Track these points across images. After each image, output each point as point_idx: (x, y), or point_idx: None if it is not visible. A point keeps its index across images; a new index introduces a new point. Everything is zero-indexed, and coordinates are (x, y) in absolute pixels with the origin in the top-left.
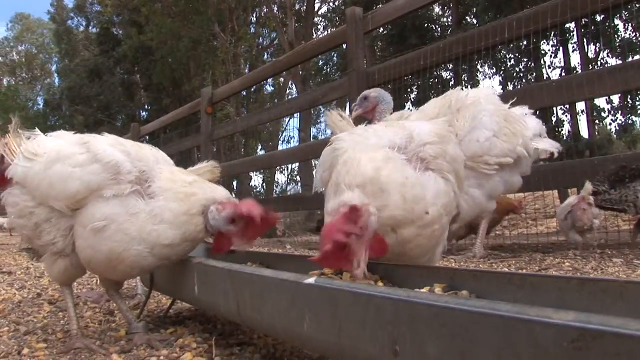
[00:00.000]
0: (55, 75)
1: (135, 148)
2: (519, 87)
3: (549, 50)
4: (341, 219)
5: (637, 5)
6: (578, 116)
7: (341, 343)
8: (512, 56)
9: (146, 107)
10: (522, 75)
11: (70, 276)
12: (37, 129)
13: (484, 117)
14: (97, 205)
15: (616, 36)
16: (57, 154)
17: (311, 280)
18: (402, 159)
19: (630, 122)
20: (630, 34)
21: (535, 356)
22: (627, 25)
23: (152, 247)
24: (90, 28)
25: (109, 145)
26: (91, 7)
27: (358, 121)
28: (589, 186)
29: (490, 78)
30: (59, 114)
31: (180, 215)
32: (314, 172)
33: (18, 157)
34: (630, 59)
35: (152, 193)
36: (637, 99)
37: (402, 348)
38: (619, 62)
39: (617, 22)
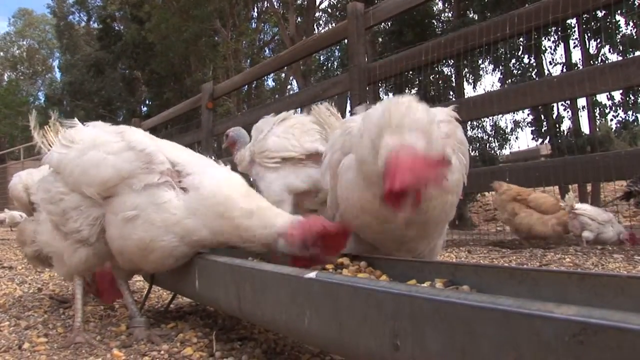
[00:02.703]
0: (57, 70)
1: (166, 144)
2: (521, 82)
3: (550, 46)
4: (428, 163)
5: (638, 2)
6: (579, 112)
7: (342, 337)
8: (514, 52)
9: (147, 102)
10: (523, 71)
11: (90, 266)
12: (76, 120)
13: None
14: (128, 194)
15: (617, 32)
16: (92, 141)
17: (312, 275)
18: None
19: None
20: (631, 30)
21: (537, 350)
22: (628, 21)
23: (182, 237)
24: (91, 23)
25: (143, 135)
26: (92, 1)
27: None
28: (571, 197)
29: (491, 74)
30: (60, 109)
31: (224, 226)
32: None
33: (55, 144)
34: (631, 55)
35: (196, 187)
36: (639, 95)
37: (403, 342)
38: (620, 58)
39: (618, 17)
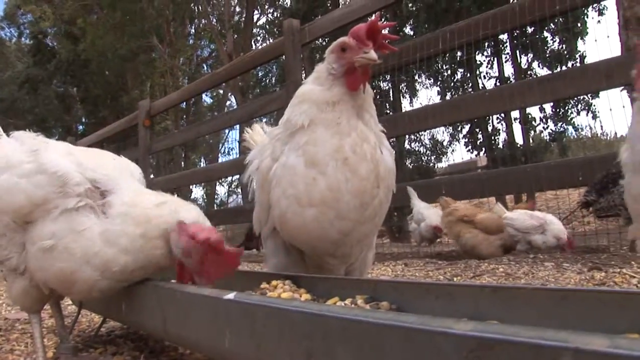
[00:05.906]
0: None
1: (90, 157)
2: (456, 96)
3: (484, 61)
4: None
5: (562, 19)
6: (512, 124)
7: (260, 358)
8: (449, 66)
9: (83, 120)
10: (458, 85)
11: (33, 299)
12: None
13: None
14: (45, 221)
15: (545, 47)
16: (6, 162)
17: (230, 296)
18: None
19: (562, 129)
20: (557, 46)
21: None
22: (554, 37)
23: (102, 271)
24: (23, 39)
25: (58, 154)
26: (22, 17)
27: None
28: (498, 208)
29: (429, 88)
30: None
31: (137, 239)
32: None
33: None
34: (557, 70)
35: (109, 209)
36: (567, 107)
37: None
38: (549, 72)
39: (545, 34)
